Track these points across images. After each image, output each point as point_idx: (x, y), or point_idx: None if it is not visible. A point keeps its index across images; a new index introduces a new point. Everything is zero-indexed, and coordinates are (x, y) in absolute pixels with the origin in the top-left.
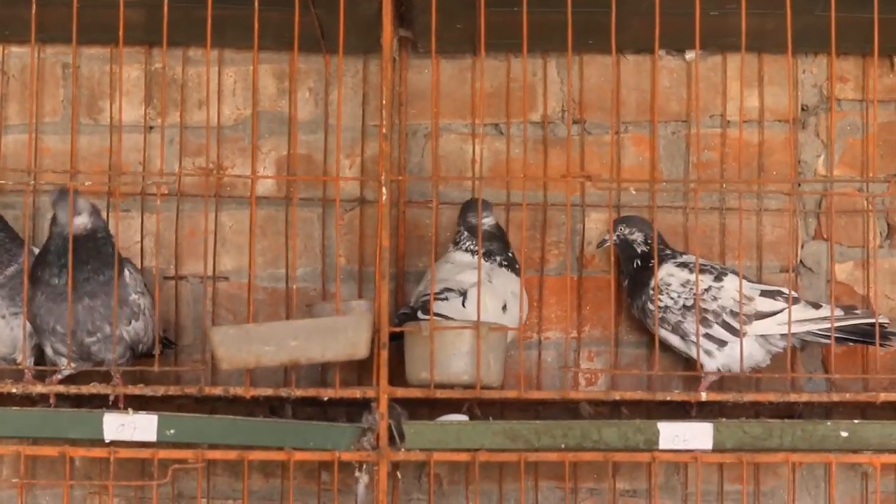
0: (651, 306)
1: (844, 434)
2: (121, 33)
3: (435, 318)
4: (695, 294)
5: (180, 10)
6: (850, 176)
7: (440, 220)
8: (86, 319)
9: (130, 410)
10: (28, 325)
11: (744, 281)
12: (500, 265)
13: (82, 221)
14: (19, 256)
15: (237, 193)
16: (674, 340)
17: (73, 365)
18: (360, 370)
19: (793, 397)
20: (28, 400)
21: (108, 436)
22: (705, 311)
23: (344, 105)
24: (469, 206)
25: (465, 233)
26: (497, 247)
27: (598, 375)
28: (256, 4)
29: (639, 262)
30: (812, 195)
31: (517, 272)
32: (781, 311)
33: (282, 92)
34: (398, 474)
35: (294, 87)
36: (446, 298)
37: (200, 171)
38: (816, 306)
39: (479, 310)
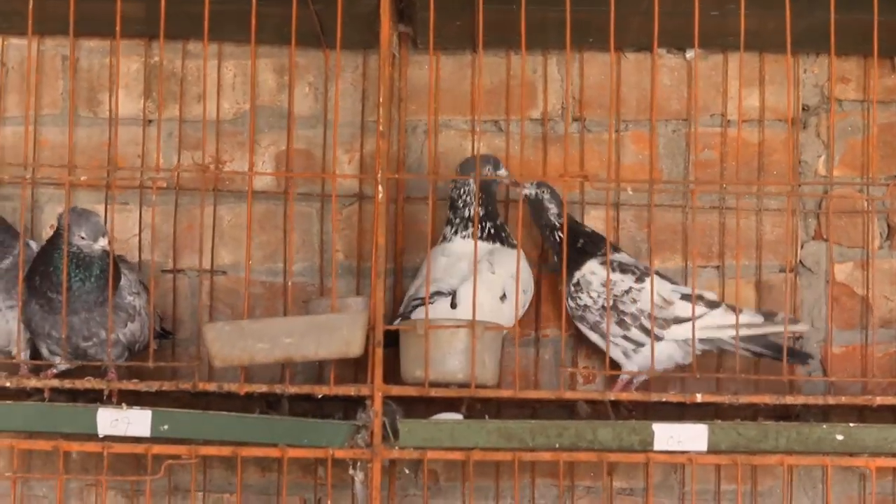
0: (571, 303)
1: (840, 437)
2: (118, 28)
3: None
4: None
5: (179, 4)
6: (850, 177)
7: (437, 216)
8: (81, 328)
9: (124, 405)
10: None
11: (665, 283)
12: (504, 243)
13: (104, 244)
14: (15, 249)
15: (235, 188)
16: (594, 338)
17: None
18: (357, 367)
19: (788, 400)
20: (22, 393)
21: (102, 431)
22: (624, 313)
23: (343, 100)
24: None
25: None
26: (500, 220)
27: (596, 374)
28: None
29: (559, 236)
30: (812, 196)
31: (515, 247)
32: (700, 316)
33: (281, 86)
34: (405, 470)
35: (293, 83)
36: (433, 302)
37: (196, 167)
38: (735, 311)
39: (475, 308)
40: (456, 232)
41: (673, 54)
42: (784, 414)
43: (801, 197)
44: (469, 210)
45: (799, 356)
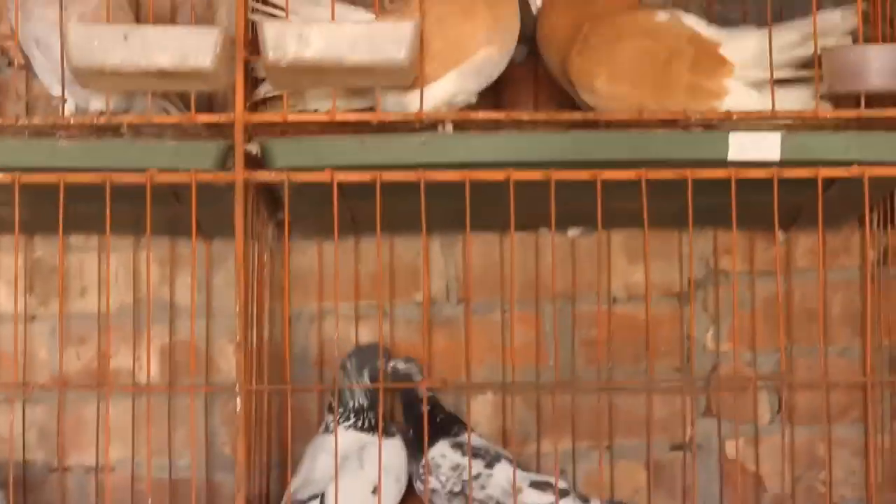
0: (419, 485)
1: None
2: None
3: None
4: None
5: (56, 206)
6: (738, 351)
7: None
8: None
9: None
10: None
11: (516, 470)
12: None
13: None
14: None
15: (122, 382)
16: None
17: None
18: None
19: None
20: None
21: None
22: (472, 499)
23: (228, 290)
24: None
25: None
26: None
27: None
28: (108, 203)
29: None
30: (702, 371)
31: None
32: None
33: (164, 278)
34: None
35: (173, 276)
36: None
37: (52, 380)
38: (585, 500)
39: None
40: (339, 422)
41: (556, 232)
42: None
43: (692, 375)
44: (357, 401)
45: None
